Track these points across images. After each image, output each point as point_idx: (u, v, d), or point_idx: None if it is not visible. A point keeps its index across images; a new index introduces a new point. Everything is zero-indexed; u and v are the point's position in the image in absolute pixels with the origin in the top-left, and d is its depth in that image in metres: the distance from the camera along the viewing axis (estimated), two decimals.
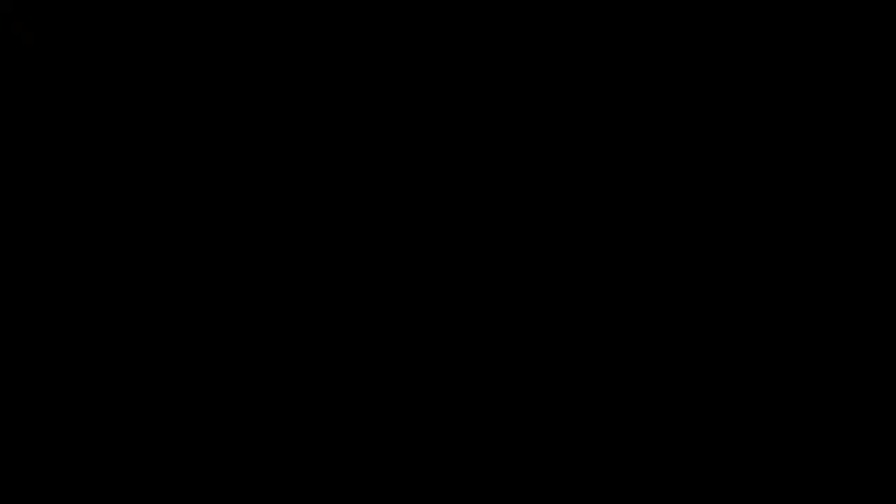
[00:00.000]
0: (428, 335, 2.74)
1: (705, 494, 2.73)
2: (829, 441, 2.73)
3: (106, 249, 2.74)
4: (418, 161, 2.76)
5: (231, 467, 2.72)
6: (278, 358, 2.74)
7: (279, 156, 2.76)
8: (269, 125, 2.76)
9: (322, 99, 2.76)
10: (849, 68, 2.73)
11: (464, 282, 2.74)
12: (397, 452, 2.73)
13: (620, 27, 2.72)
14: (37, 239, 2.74)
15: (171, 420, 2.73)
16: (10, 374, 2.72)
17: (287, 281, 2.74)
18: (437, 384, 2.74)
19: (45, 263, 2.74)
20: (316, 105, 2.75)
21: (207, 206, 2.75)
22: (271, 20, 2.73)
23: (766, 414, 2.73)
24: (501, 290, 2.74)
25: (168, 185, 2.75)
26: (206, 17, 2.73)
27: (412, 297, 2.74)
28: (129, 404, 2.73)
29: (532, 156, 2.76)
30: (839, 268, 2.74)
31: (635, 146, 2.75)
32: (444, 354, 2.74)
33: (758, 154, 2.75)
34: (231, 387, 2.73)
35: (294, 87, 2.75)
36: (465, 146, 2.76)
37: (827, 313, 2.74)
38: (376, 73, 2.75)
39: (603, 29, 2.71)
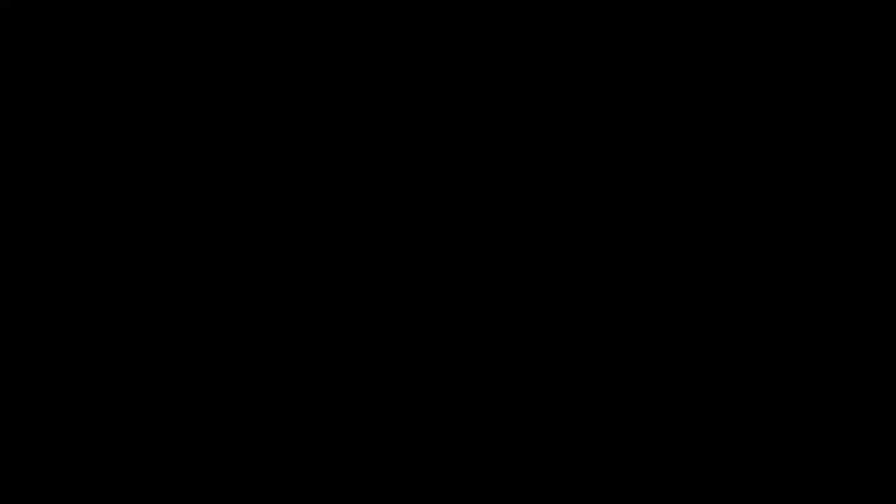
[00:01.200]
0: (426, 334, 2.73)
1: (705, 494, 2.73)
2: (829, 441, 2.73)
3: (99, 240, 2.73)
4: (414, 153, 2.75)
5: (228, 466, 2.71)
6: (274, 354, 2.73)
7: (275, 146, 2.75)
8: (264, 115, 2.75)
9: (319, 89, 2.75)
10: (846, 78, 2.74)
11: (460, 274, 2.74)
12: (397, 452, 2.73)
13: (621, 21, 2.72)
14: (30, 230, 2.73)
15: (166, 418, 2.72)
16: (4, 372, 2.71)
17: (284, 274, 2.74)
18: (437, 384, 2.73)
19: (39, 252, 2.73)
20: (312, 95, 2.75)
21: (202, 198, 2.74)
22: (267, 10, 2.73)
23: (766, 414, 2.73)
24: (497, 281, 2.74)
25: (163, 176, 2.74)
26: (202, 6, 2.72)
27: (408, 287, 2.74)
28: (123, 402, 2.72)
29: (528, 148, 2.76)
30: (834, 271, 2.74)
31: (635, 146, 2.75)
32: (442, 350, 2.73)
33: (759, 158, 2.76)
34: (227, 385, 2.72)
35: (291, 76, 2.75)
36: (462, 137, 2.76)
37: (819, 316, 2.74)
38: (372, 64, 2.75)
39: (605, 21, 2.72)
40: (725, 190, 2.74)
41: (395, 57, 2.74)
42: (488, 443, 2.72)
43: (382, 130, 2.75)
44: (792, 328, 2.73)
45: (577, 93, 2.74)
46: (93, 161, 2.74)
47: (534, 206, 2.73)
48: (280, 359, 2.72)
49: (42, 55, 2.73)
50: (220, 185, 2.74)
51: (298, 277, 2.73)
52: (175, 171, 2.73)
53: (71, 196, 2.74)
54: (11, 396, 2.70)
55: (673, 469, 2.71)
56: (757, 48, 2.69)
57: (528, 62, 2.74)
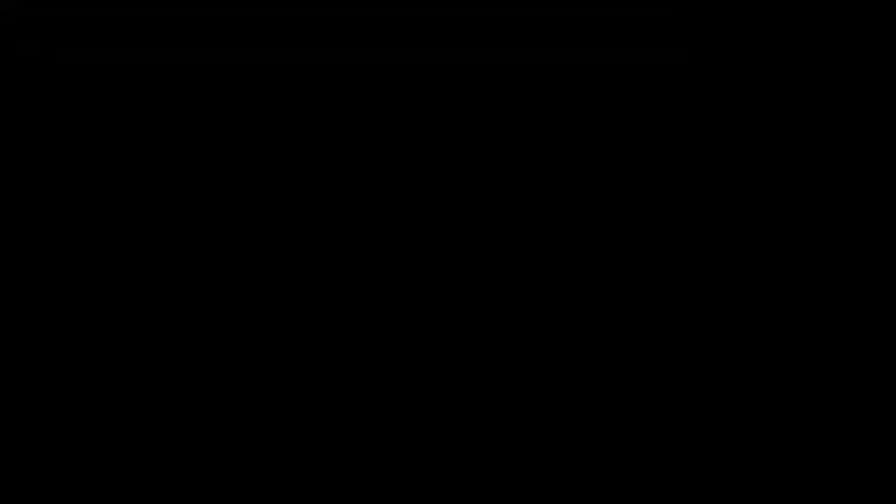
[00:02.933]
0: (427, 335, 2.74)
1: (705, 494, 2.74)
2: (829, 441, 2.74)
3: (109, 251, 2.74)
4: (416, 163, 2.76)
5: (236, 467, 2.73)
6: (285, 356, 2.74)
7: (279, 157, 2.76)
8: (269, 128, 2.76)
9: (327, 101, 2.75)
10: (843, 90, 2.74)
11: (461, 282, 2.75)
12: (397, 452, 2.74)
13: (622, 30, 2.72)
14: (36, 241, 2.74)
15: (177, 420, 2.73)
16: (12, 374, 2.72)
17: (292, 281, 2.74)
18: (437, 384, 2.74)
19: (45, 265, 2.74)
20: (320, 107, 2.75)
21: (210, 209, 2.75)
22: (273, 21, 2.73)
23: (766, 414, 2.74)
24: (499, 289, 2.75)
25: (170, 188, 2.75)
26: (209, 18, 2.73)
27: (411, 300, 2.74)
28: (138, 404, 2.73)
29: (527, 157, 2.76)
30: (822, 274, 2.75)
31: (635, 148, 2.76)
32: (443, 354, 2.74)
33: (772, 169, 2.76)
34: (237, 387, 2.73)
35: (297, 89, 2.75)
36: (462, 148, 2.76)
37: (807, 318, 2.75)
38: (375, 76, 2.75)
39: (615, 34, 2.72)
40: (737, 201, 2.74)
41: (395, 70, 2.74)
42: (488, 443, 2.73)
43: (392, 147, 2.75)
44: (797, 336, 2.74)
45: (587, 107, 2.74)
46: (91, 162, 2.75)
47: (544, 221, 2.73)
48: (292, 359, 2.73)
49: (47, 65, 2.74)
50: (226, 197, 2.74)
51: (305, 288, 2.74)
52: (182, 186, 2.73)
53: (69, 197, 2.74)
54: (21, 398, 2.71)
55: (673, 469, 2.72)
56: (769, 59, 2.68)
57: (537, 77, 2.74)
